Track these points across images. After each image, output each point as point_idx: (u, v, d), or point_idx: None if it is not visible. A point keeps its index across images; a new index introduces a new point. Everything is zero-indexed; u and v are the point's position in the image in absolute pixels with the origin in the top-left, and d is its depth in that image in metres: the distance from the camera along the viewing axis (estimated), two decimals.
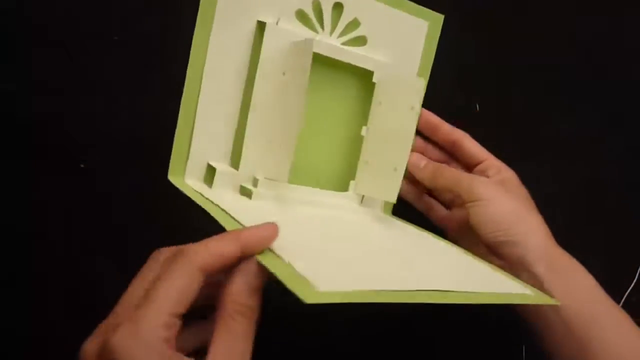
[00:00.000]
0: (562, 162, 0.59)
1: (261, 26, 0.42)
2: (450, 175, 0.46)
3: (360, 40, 0.45)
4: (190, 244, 0.30)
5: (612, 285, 0.59)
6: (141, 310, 0.27)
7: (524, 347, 0.60)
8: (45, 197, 0.56)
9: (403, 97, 0.44)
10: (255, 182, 0.43)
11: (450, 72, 0.58)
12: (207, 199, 0.39)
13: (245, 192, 0.43)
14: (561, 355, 0.40)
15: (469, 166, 0.50)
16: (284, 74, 0.41)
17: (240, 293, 0.28)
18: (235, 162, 0.44)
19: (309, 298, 0.25)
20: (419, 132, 0.52)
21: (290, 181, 0.44)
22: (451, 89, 0.58)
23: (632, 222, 0.59)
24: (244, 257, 0.30)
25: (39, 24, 0.55)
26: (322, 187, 0.45)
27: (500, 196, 0.43)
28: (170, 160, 0.42)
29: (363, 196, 0.47)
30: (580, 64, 0.59)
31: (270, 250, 0.30)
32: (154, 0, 0.56)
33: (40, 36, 0.55)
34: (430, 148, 0.52)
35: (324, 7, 0.42)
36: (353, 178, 0.46)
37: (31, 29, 0.55)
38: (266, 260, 0.29)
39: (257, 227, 0.30)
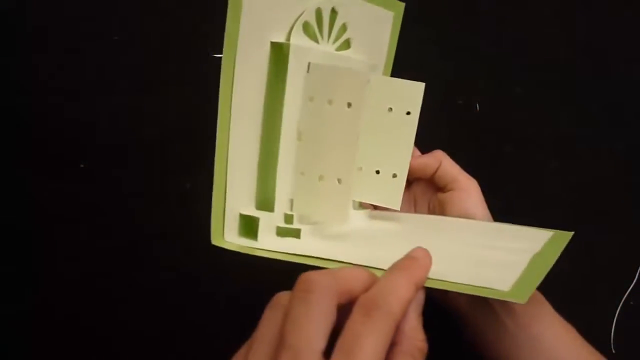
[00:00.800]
0: (562, 161, 0.59)
1: (276, 48, 0.36)
2: (429, 159, 0.47)
3: (347, 44, 0.42)
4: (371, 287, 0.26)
5: (612, 285, 0.59)
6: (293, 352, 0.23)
7: None
8: (45, 197, 0.56)
9: (402, 102, 0.42)
10: (289, 219, 0.38)
11: (450, 72, 0.58)
12: (277, 252, 0.35)
13: (289, 233, 0.38)
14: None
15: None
16: (330, 102, 0.36)
17: (415, 329, 0.27)
18: (264, 203, 0.38)
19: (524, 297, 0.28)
20: None
21: None
22: (451, 89, 0.58)
23: (632, 222, 0.59)
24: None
25: (39, 25, 0.55)
26: None
27: (475, 188, 0.47)
28: (212, 224, 0.36)
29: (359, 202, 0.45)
30: (580, 63, 0.59)
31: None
32: (153, 0, 0.56)
33: (41, 36, 0.55)
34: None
35: (324, 15, 0.40)
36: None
37: (31, 30, 0.55)
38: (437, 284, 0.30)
39: (415, 257, 0.28)
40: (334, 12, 0.40)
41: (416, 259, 0.28)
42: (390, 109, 0.42)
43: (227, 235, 0.36)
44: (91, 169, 0.56)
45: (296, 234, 0.37)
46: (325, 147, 0.37)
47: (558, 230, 0.40)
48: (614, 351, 0.54)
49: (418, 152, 0.47)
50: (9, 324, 0.55)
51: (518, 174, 0.58)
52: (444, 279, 0.31)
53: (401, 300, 0.25)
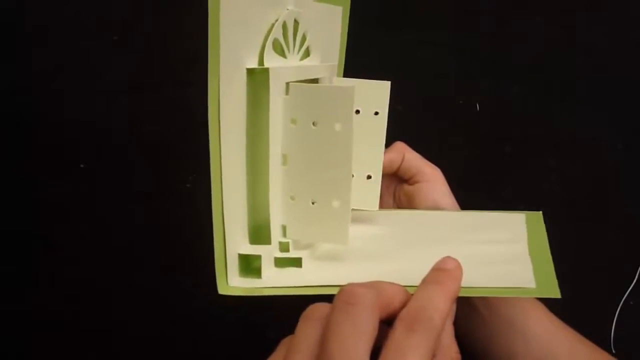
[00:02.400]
0: (562, 162, 0.59)
1: (254, 74, 0.36)
2: (392, 153, 0.45)
3: (307, 52, 0.40)
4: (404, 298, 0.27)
5: (612, 285, 0.59)
6: None
7: None
8: (45, 197, 0.56)
9: (368, 102, 0.42)
10: (285, 247, 0.36)
11: (450, 72, 0.58)
12: (285, 287, 0.33)
13: (290, 263, 0.36)
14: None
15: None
16: (314, 124, 0.35)
17: (451, 342, 0.27)
18: (258, 235, 0.37)
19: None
20: None
21: None
22: (451, 89, 0.58)
23: (632, 222, 0.59)
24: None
25: (39, 25, 0.55)
26: None
27: (441, 177, 0.45)
28: (216, 273, 0.34)
29: None
30: (580, 63, 0.59)
31: None
32: (153, 0, 0.56)
33: (41, 36, 0.55)
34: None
35: (289, 29, 0.38)
36: None
37: (31, 30, 0.55)
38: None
39: (447, 270, 0.28)
40: (296, 22, 0.38)
41: (449, 271, 0.28)
42: (358, 111, 0.41)
43: (231, 280, 0.34)
44: (91, 169, 0.56)
45: (297, 263, 0.36)
46: (314, 170, 0.35)
47: (525, 212, 0.41)
48: (614, 351, 0.54)
49: None
50: (9, 323, 0.55)
51: (518, 174, 0.58)
52: (470, 285, 0.31)
53: (442, 314, 0.25)
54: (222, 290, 0.33)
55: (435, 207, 0.44)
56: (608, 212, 0.59)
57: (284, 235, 0.36)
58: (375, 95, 0.42)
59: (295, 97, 0.35)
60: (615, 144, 0.59)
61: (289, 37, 0.38)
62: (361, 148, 0.40)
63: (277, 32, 0.37)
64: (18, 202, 0.56)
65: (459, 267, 0.28)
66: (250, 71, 0.35)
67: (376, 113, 0.41)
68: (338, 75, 0.45)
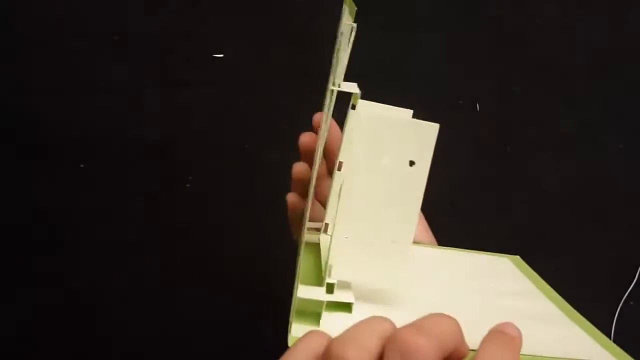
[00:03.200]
0: (563, 162, 0.59)
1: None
2: None
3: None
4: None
5: (612, 285, 0.59)
6: None
7: None
8: (45, 197, 0.56)
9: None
10: (330, 289, 0.32)
11: (450, 73, 0.58)
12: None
13: (341, 308, 0.32)
14: None
15: None
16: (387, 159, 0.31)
17: None
18: (310, 275, 0.35)
19: None
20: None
21: None
22: (451, 89, 0.58)
23: (632, 222, 0.59)
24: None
25: (39, 24, 0.55)
26: None
27: None
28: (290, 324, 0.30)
29: None
30: (580, 63, 0.59)
31: None
32: (153, 0, 0.56)
33: (40, 36, 0.55)
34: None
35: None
36: None
37: (31, 29, 0.55)
38: None
39: (512, 335, 0.26)
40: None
41: (513, 338, 0.25)
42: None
43: (293, 330, 0.31)
44: (91, 169, 0.56)
45: (347, 308, 0.32)
46: (377, 207, 0.32)
47: (504, 255, 0.38)
48: None
49: None
50: (9, 323, 0.55)
51: (518, 174, 0.58)
52: (536, 354, 0.29)
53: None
54: (290, 341, 0.30)
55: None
56: (608, 212, 0.59)
57: (329, 275, 0.32)
58: (414, 139, 0.32)
59: (370, 129, 0.31)
60: (615, 144, 0.59)
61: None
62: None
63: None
64: (18, 202, 0.56)
65: (520, 335, 0.26)
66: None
67: (412, 163, 0.32)
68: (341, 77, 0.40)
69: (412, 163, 0.30)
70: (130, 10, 0.56)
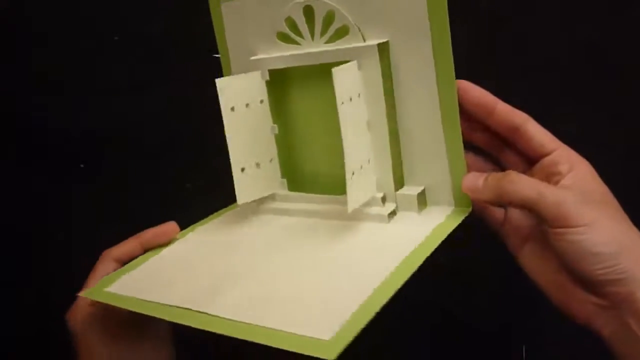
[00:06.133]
0: None
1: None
2: (525, 188, 0.33)
3: (343, 31, 0.38)
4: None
5: None
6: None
7: (524, 347, 0.60)
8: (45, 197, 0.56)
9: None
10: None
11: None
12: None
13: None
14: None
15: (532, 159, 0.39)
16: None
17: None
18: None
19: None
20: (466, 117, 0.39)
21: (294, 189, 0.43)
22: None
23: (633, 222, 0.59)
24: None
25: (39, 25, 0.55)
26: (330, 193, 0.42)
27: (598, 219, 0.33)
28: None
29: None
30: (580, 64, 0.59)
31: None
32: (153, 0, 0.56)
33: (41, 36, 0.55)
34: (481, 160, 0.41)
35: (297, 20, 0.40)
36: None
37: (31, 30, 0.55)
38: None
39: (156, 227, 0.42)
40: (309, 9, 0.40)
41: (155, 227, 0.44)
42: (351, 98, 0.38)
43: None
44: (91, 169, 0.56)
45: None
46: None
47: None
48: None
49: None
50: (8, 323, 0.55)
51: None
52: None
53: (119, 250, 0.43)
54: None
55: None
56: None
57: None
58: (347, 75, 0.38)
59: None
60: (615, 144, 0.59)
61: (304, 24, 0.39)
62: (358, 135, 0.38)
63: (279, 26, 0.40)
64: (18, 202, 0.56)
65: (170, 226, 0.43)
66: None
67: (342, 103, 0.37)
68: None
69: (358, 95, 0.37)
70: (130, 10, 0.56)
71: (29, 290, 0.56)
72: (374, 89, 0.38)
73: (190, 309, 0.31)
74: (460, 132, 0.36)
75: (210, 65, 0.56)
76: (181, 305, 0.31)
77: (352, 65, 0.37)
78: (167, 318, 0.31)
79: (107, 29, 0.55)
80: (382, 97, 0.38)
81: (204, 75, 0.56)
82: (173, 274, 0.37)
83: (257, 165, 0.42)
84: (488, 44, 0.59)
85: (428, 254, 0.33)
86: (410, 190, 0.38)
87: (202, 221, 0.45)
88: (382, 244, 0.35)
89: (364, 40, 0.38)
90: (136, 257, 0.41)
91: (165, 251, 0.42)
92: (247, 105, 0.42)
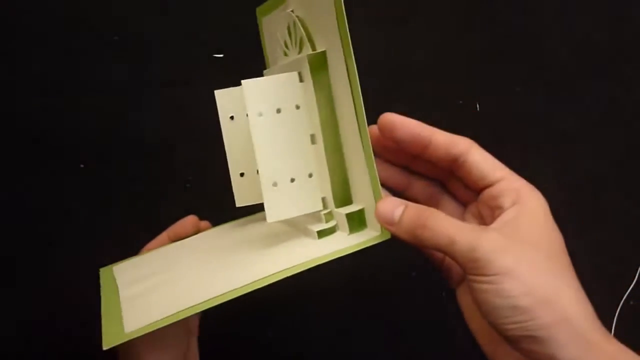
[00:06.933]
0: (562, 161, 0.59)
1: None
2: (437, 234, 0.30)
3: (302, 43, 0.38)
4: None
5: (612, 285, 0.59)
6: None
7: None
8: (45, 197, 0.56)
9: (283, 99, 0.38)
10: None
11: (450, 73, 0.58)
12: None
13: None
14: None
15: (476, 189, 0.35)
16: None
17: None
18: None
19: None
20: (406, 153, 0.36)
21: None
22: (451, 89, 0.58)
23: (632, 222, 0.59)
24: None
25: (39, 24, 0.55)
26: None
27: (515, 267, 0.28)
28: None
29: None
30: (580, 63, 0.59)
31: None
32: (153, 0, 0.56)
33: (40, 36, 0.55)
34: (414, 182, 0.38)
35: (280, 33, 0.41)
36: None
37: (31, 30, 0.55)
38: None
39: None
40: (298, 19, 0.39)
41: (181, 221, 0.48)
42: (279, 109, 0.37)
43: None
44: (91, 169, 0.56)
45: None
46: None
47: None
48: None
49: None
50: (8, 323, 0.55)
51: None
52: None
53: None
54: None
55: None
56: (608, 212, 0.59)
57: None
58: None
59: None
60: (615, 144, 0.59)
61: (287, 37, 0.40)
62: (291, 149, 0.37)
63: (280, 39, 0.41)
64: (18, 202, 0.56)
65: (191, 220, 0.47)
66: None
67: (297, 107, 0.37)
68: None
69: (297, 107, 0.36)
70: (130, 10, 0.56)
71: (29, 291, 0.56)
72: (311, 101, 0.36)
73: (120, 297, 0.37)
74: (371, 152, 0.33)
75: (211, 65, 0.56)
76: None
77: (287, 76, 0.37)
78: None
79: (107, 29, 0.55)
80: (316, 110, 0.36)
81: (204, 76, 0.56)
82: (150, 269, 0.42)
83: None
84: (489, 44, 0.59)
85: (288, 274, 0.32)
86: (346, 209, 0.36)
87: (230, 222, 0.49)
88: (288, 258, 0.34)
89: (313, 51, 0.37)
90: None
91: (162, 249, 0.46)
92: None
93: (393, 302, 0.60)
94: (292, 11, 0.39)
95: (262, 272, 0.32)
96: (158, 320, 0.31)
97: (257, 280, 0.31)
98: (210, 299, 0.31)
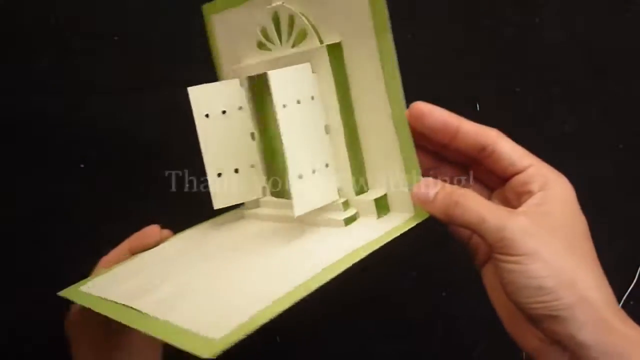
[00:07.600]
0: (562, 161, 0.59)
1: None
2: (470, 210, 0.32)
3: (302, 35, 0.38)
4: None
5: (612, 285, 0.59)
6: None
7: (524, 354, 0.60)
8: (45, 197, 0.56)
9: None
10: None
11: (451, 72, 0.58)
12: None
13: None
14: None
15: (504, 176, 0.36)
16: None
17: None
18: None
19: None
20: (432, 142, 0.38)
21: (278, 194, 0.43)
22: (451, 89, 0.58)
23: (632, 222, 0.59)
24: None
25: (39, 25, 0.55)
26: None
27: (541, 249, 0.30)
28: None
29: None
30: (580, 63, 0.59)
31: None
32: (153, 0, 0.56)
33: (40, 36, 0.55)
34: (442, 167, 0.39)
35: (267, 27, 0.40)
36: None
37: (31, 30, 0.55)
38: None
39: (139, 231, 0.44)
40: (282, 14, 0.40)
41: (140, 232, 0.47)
42: (299, 101, 0.37)
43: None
44: (91, 169, 0.56)
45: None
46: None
47: None
48: None
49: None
50: (7, 324, 0.55)
51: None
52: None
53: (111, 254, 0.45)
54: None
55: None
56: (608, 212, 0.59)
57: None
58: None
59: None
60: (615, 144, 0.59)
61: (273, 31, 0.40)
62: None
63: (257, 34, 0.41)
64: (18, 202, 0.56)
65: (153, 230, 0.45)
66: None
67: (312, 98, 0.38)
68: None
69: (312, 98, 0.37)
70: (130, 10, 0.56)
71: (29, 290, 0.56)
72: (328, 91, 0.37)
73: (125, 305, 0.33)
74: (411, 137, 0.35)
75: (210, 65, 0.56)
76: (117, 301, 0.34)
77: (303, 67, 0.37)
78: (103, 312, 0.34)
79: (107, 29, 0.55)
80: (336, 100, 0.37)
81: (204, 76, 0.56)
82: (131, 274, 0.39)
83: (236, 171, 0.42)
84: (488, 44, 0.59)
85: (356, 259, 0.32)
86: (370, 196, 0.37)
87: (198, 225, 0.46)
88: (329, 247, 0.35)
89: (321, 43, 0.37)
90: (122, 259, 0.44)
91: (145, 254, 0.43)
92: (223, 112, 0.42)
93: (393, 302, 0.60)
94: (283, 3, 0.39)
95: (328, 259, 0.32)
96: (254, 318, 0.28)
97: (337, 262, 0.31)
98: (298, 285, 0.30)
